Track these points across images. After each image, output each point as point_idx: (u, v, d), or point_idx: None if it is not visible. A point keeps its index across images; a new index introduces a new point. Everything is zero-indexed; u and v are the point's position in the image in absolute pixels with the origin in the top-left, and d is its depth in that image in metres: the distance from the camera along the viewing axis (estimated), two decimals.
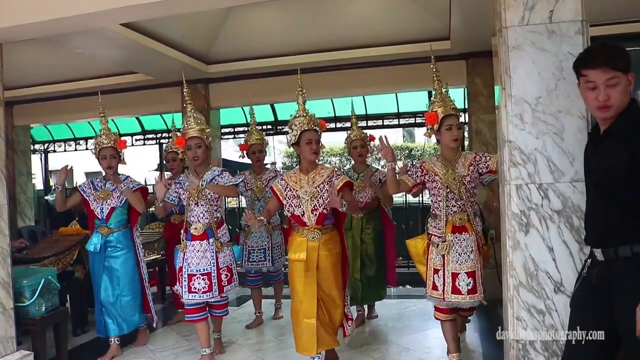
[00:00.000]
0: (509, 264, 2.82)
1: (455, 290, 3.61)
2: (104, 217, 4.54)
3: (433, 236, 3.76)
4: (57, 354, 4.33)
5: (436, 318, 3.89)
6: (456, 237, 3.66)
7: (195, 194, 4.19)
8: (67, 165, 4.49)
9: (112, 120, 9.02)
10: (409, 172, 3.86)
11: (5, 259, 3.88)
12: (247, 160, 5.52)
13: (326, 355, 4.03)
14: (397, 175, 3.88)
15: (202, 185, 4.15)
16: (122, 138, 4.82)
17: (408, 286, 6.87)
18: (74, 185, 4.66)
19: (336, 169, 3.96)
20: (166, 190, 4.17)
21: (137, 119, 9.26)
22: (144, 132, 9.50)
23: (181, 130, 4.33)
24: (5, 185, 3.95)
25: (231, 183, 4.26)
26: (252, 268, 5.33)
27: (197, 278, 4.16)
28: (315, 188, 3.78)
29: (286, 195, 3.88)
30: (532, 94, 2.72)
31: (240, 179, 4.35)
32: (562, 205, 2.70)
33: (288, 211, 3.88)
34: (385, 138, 3.70)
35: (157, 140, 9.47)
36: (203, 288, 4.16)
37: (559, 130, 2.69)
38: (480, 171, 3.70)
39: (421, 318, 5.28)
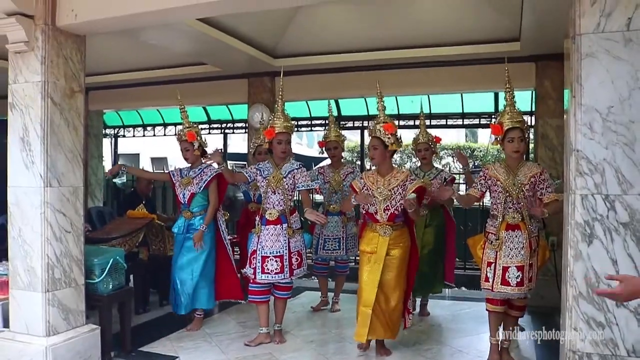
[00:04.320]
0: (569, 274, 2.78)
1: (505, 282, 3.86)
2: (186, 202, 4.95)
3: (489, 234, 4.02)
4: (121, 330, 4.51)
5: (486, 309, 4.08)
6: (509, 234, 3.91)
7: (275, 183, 4.51)
8: (123, 166, 5.20)
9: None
10: (474, 185, 4.13)
11: (79, 237, 4.09)
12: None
13: (377, 348, 4.31)
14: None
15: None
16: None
17: (463, 288, 6.81)
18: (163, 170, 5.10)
19: (410, 175, 4.24)
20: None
21: (204, 108, 9.51)
22: (209, 121, 9.74)
23: (270, 123, 4.61)
24: (82, 169, 4.15)
25: (306, 187, 4.54)
26: (325, 256, 5.59)
27: (270, 260, 4.48)
28: (389, 191, 4.11)
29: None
30: (604, 103, 2.67)
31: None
32: (629, 218, 2.64)
33: (363, 208, 4.25)
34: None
35: (222, 130, 9.71)
36: (275, 269, 4.47)
37: (630, 141, 2.63)
38: (536, 189, 3.90)
39: (476, 321, 5.23)
